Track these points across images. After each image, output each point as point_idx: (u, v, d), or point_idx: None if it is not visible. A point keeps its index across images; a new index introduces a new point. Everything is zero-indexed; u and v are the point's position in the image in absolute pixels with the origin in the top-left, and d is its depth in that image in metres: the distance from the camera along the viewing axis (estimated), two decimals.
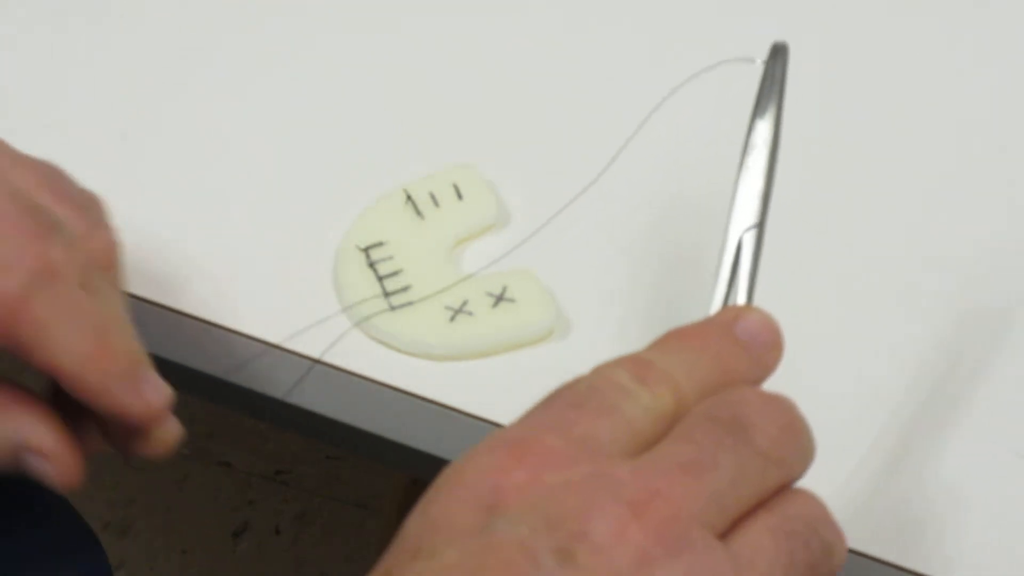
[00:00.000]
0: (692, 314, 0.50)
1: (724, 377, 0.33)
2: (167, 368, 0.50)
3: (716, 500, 0.30)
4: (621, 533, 0.29)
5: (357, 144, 0.56)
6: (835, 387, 0.49)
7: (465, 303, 0.50)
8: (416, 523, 0.30)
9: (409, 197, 0.53)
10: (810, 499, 0.32)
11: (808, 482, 0.45)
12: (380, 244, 0.51)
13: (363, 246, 0.51)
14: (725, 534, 0.30)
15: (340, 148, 0.56)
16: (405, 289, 0.50)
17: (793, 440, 0.32)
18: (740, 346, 0.35)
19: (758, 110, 0.41)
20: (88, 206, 0.42)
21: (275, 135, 0.57)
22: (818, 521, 0.32)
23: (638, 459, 0.31)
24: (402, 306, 0.50)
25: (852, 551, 0.45)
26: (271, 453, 1.37)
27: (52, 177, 0.42)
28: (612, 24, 0.61)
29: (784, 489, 0.32)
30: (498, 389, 0.48)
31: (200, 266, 0.52)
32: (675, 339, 0.34)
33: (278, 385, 0.49)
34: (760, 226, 0.40)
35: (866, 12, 0.61)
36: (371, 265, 0.51)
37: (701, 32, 0.60)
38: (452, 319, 0.49)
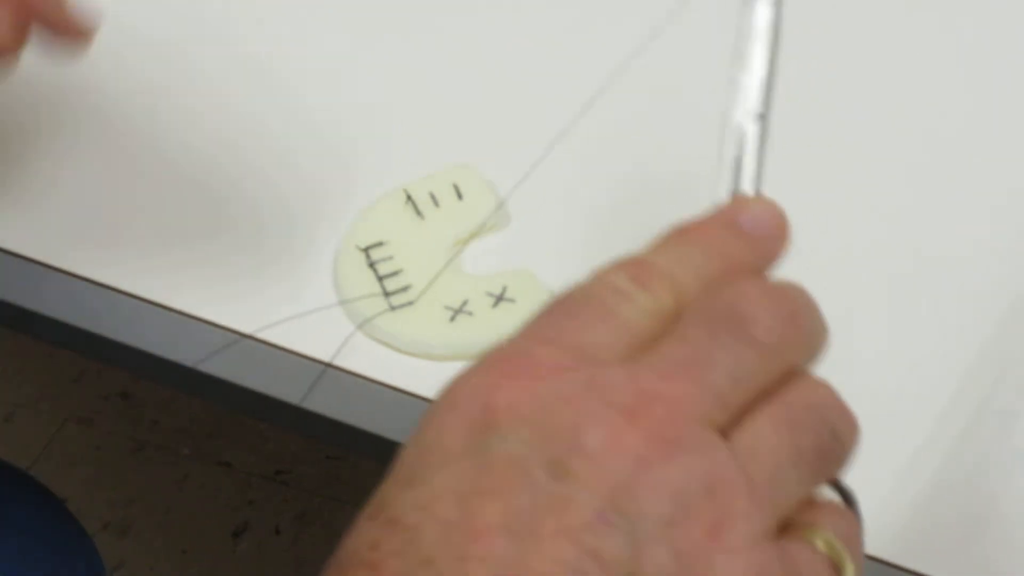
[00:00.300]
0: None
1: (727, 271, 0.32)
2: (166, 368, 0.50)
3: (714, 397, 0.29)
4: (616, 440, 0.28)
5: (357, 144, 0.56)
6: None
7: (465, 303, 0.50)
8: (409, 452, 0.29)
9: (409, 197, 0.53)
10: (816, 385, 0.31)
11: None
12: (380, 244, 0.51)
13: (363, 246, 0.51)
14: (728, 431, 0.29)
15: (340, 148, 0.56)
16: (405, 289, 0.50)
17: (795, 328, 0.31)
18: (743, 237, 0.33)
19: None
20: None
21: (275, 135, 0.57)
22: (825, 407, 0.31)
23: (633, 363, 0.29)
24: (402, 306, 0.50)
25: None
26: (271, 453, 1.37)
27: None
28: (613, 24, 0.61)
29: (790, 377, 0.31)
30: None
31: (200, 266, 0.52)
32: (675, 236, 0.33)
33: (281, 387, 0.49)
34: (764, 116, 0.37)
35: None
36: (371, 265, 0.51)
37: None
38: (452, 319, 0.49)
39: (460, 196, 0.53)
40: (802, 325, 0.31)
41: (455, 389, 0.30)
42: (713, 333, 0.30)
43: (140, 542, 1.35)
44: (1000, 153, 0.56)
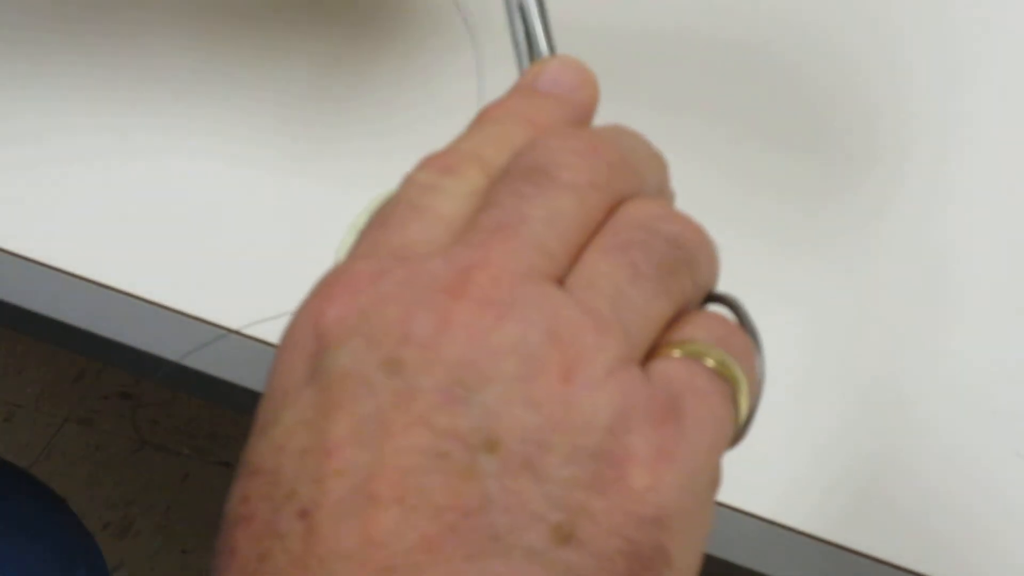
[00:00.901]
0: None
1: (535, 134, 0.31)
2: (166, 367, 0.50)
3: (534, 248, 0.28)
4: (445, 320, 0.27)
5: (357, 144, 0.56)
6: (834, 388, 0.49)
7: None
8: (263, 400, 0.29)
9: None
10: (642, 203, 0.30)
11: (804, 474, 0.45)
12: None
13: None
14: (564, 277, 0.29)
15: (340, 148, 0.56)
16: None
17: (607, 161, 0.30)
18: (546, 98, 0.32)
19: None
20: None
21: (275, 135, 0.57)
22: (654, 219, 0.29)
23: (450, 247, 0.29)
24: None
25: (850, 550, 0.45)
26: None
27: None
28: (614, 24, 0.61)
29: (616, 207, 0.30)
30: None
31: (200, 266, 0.52)
32: (478, 119, 0.32)
33: None
34: None
35: None
36: None
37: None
38: None
39: None
40: (616, 157, 0.30)
41: (289, 327, 0.29)
42: (519, 191, 0.29)
43: (140, 542, 1.35)
44: None
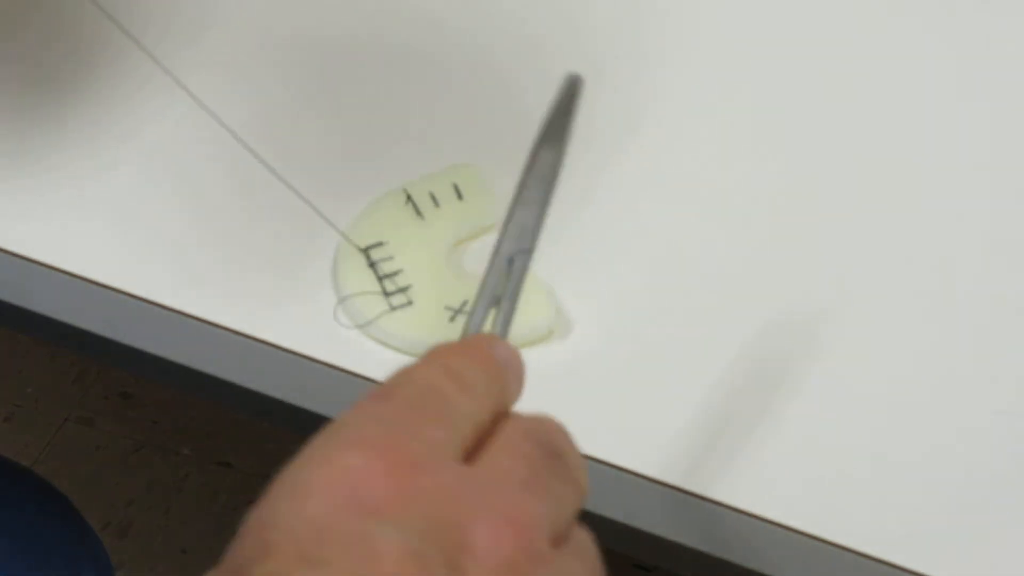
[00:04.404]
0: (691, 311, 0.51)
1: (503, 397, 0.36)
2: (165, 367, 0.50)
3: (552, 516, 0.33)
4: (497, 544, 0.31)
5: (357, 144, 0.56)
6: (834, 389, 0.49)
7: (465, 303, 0.50)
8: (292, 520, 0.31)
9: (409, 197, 0.53)
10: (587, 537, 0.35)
11: (804, 474, 0.45)
12: (380, 244, 0.51)
13: (363, 246, 0.51)
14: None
15: (340, 148, 0.56)
16: (405, 289, 0.50)
17: (584, 468, 0.35)
18: (506, 371, 0.37)
19: (545, 138, 0.42)
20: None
21: (275, 135, 0.57)
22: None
23: (484, 469, 0.33)
24: (402, 306, 0.50)
25: (850, 550, 0.45)
26: (271, 453, 1.37)
27: None
28: (613, 24, 0.61)
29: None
30: None
31: (200, 267, 0.52)
32: (461, 353, 0.36)
33: (281, 387, 0.49)
34: (530, 251, 0.41)
35: None
36: (371, 265, 0.51)
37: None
38: (452, 319, 0.49)
39: (460, 196, 0.53)
40: (585, 466, 0.35)
41: (330, 463, 0.32)
42: (544, 460, 0.34)
43: (140, 542, 1.35)
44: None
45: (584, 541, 0.34)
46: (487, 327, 0.39)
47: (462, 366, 0.35)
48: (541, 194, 0.41)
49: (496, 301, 0.40)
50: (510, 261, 0.40)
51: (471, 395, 0.34)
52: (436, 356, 0.36)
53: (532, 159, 0.42)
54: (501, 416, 0.35)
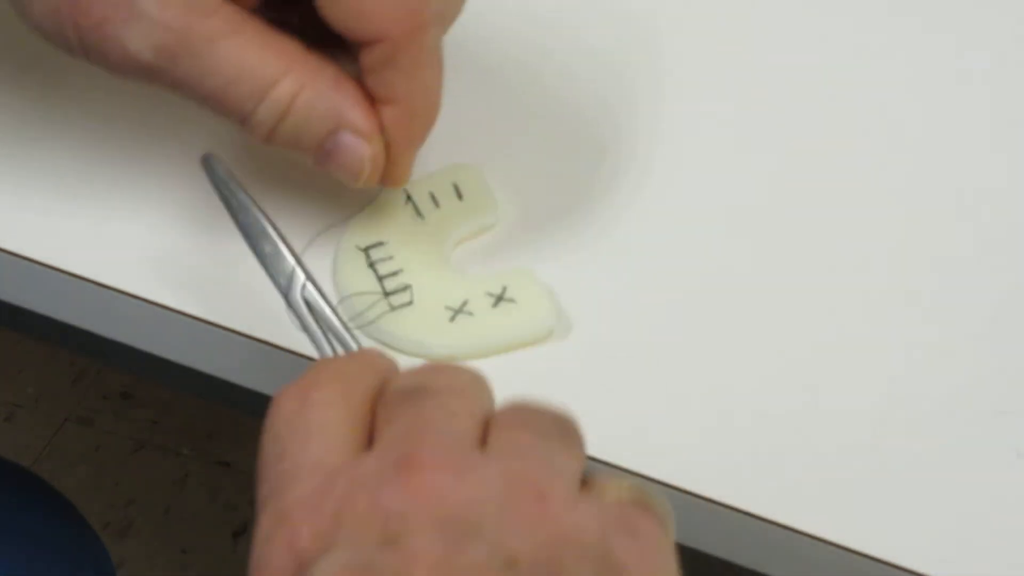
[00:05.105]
0: (691, 311, 0.51)
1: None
2: (165, 368, 0.50)
3: (451, 434, 0.34)
4: (412, 491, 0.32)
5: None
6: (835, 388, 0.49)
7: (465, 303, 0.50)
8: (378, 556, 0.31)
9: (409, 197, 0.53)
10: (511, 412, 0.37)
11: (803, 474, 0.45)
12: (380, 244, 0.51)
13: (363, 246, 0.51)
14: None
15: None
16: (405, 289, 0.50)
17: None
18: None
19: (237, 210, 0.47)
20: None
21: None
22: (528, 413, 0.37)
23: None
24: (402, 306, 0.50)
25: (851, 550, 0.45)
26: None
27: None
28: (613, 25, 0.61)
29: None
30: (498, 389, 0.48)
31: (200, 267, 0.52)
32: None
33: (279, 385, 0.49)
34: (309, 278, 0.45)
35: None
36: (371, 265, 0.51)
37: None
38: (452, 319, 0.49)
39: (460, 196, 0.53)
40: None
41: (260, 566, 0.33)
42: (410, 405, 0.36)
43: (140, 542, 1.35)
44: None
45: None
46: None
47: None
48: (273, 245, 0.46)
49: (327, 332, 0.45)
50: (305, 301, 0.45)
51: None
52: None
53: (243, 228, 0.47)
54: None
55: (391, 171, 0.48)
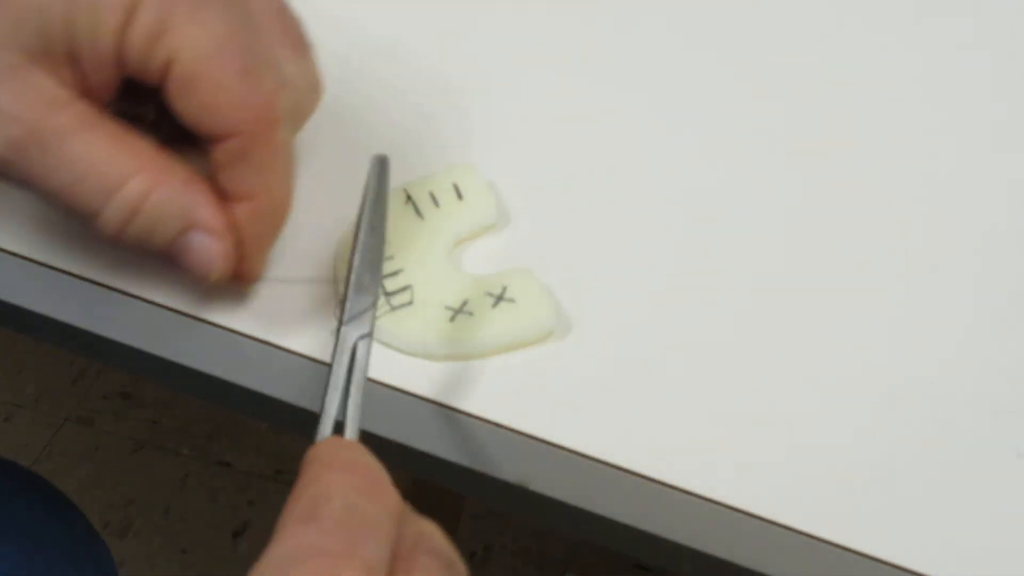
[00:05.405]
0: (691, 311, 0.51)
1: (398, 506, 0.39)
2: (165, 368, 0.50)
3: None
4: None
5: (356, 144, 0.56)
6: (835, 388, 0.49)
7: (465, 303, 0.50)
8: None
9: (409, 197, 0.53)
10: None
11: (803, 474, 0.45)
12: None
13: None
14: None
15: (340, 148, 0.56)
16: (405, 289, 0.50)
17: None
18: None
19: (368, 224, 0.46)
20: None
21: None
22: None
23: None
24: (402, 306, 0.50)
25: (851, 550, 0.45)
26: (271, 453, 1.37)
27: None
28: (610, 25, 0.61)
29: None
30: (498, 389, 0.48)
31: None
32: (350, 469, 0.39)
33: (281, 387, 0.49)
34: (371, 336, 0.44)
35: None
36: None
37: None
38: (452, 319, 0.49)
39: (460, 196, 0.53)
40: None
41: None
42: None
43: (140, 542, 1.35)
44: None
45: None
46: (334, 411, 0.42)
47: (363, 479, 0.38)
48: (373, 280, 0.45)
49: (344, 388, 0.42)
50: (354, 348, 0.43)
51: (385, 506, 0.37)
52: (330, 467, 0.38)
53: (357, 244, 0.45)
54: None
55: (244, 267, 0.48)
